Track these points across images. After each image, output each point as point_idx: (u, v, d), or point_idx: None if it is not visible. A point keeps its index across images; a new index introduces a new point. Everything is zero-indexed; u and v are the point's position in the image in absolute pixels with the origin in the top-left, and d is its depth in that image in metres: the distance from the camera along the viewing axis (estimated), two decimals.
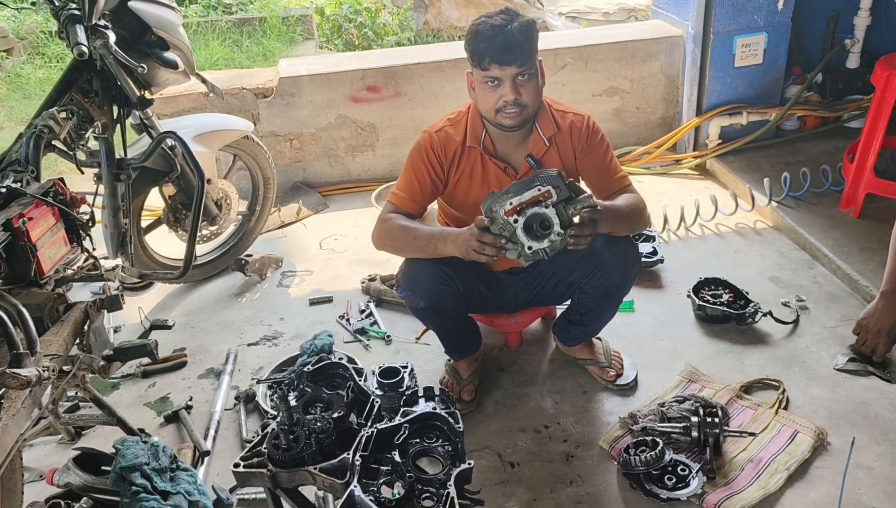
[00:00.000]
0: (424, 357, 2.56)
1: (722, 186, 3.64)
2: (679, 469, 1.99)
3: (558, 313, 2.57)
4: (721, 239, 3.19)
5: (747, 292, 2.65)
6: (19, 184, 1.92)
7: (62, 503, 1.92)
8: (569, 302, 2.38)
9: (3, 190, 1.88)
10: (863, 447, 2.07)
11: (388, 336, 2.68)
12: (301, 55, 6.46)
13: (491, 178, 2.14)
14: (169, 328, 2.49)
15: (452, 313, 2.22)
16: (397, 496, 1.49)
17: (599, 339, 2.48)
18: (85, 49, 2.12)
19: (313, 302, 2.93)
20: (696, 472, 1.97)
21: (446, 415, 1.68)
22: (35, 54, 6.74)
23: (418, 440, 1.66)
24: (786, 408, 2.23)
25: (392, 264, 3.14)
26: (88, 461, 1.99)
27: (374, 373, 2.31)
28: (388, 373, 2.28)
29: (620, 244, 2.12)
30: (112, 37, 2.23)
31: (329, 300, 2.94)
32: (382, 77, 3.67)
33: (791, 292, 2.77)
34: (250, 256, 3.12)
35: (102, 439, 2.23)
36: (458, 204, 2.22)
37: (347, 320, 2.79)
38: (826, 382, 2.33)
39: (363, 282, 2.96)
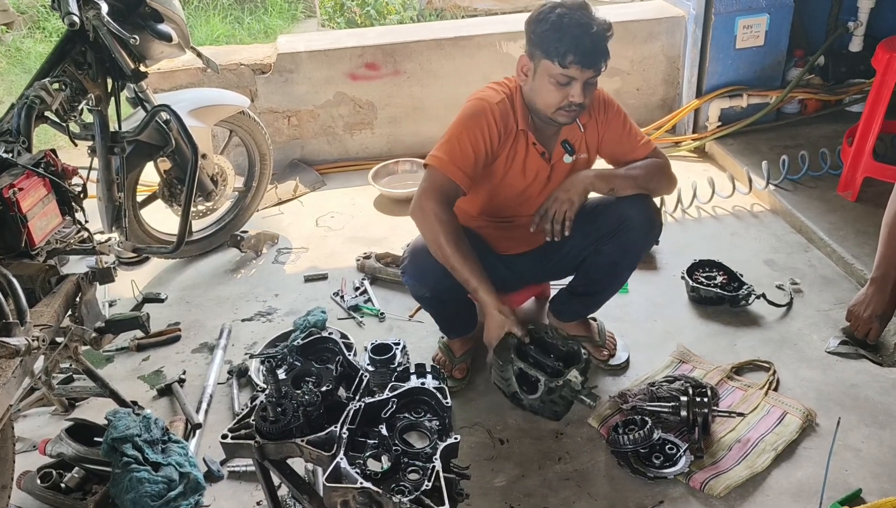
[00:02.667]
0: (417, 335, 2.57)
1: (720, 168, 3.62)
2: (667, 447, 2.00)
3: (552, 293, 2.57)
4: (718, 222, 3.18)
5: (741, 275, 2.65)
6: (10, 154, 1.92)
7: (54, 472, 1.94)
8: (571, 278, 2.38)
9: None
10: (851, 428, 2.08)
11: (382, 314, 2.68)
12: (303, 33, 6.42)
13: (530, 162, 2.11)
14: (161, 301, 2.49)
15: (454, 300, 2.21)
16: (383, 469, 1.50)
17: (594, 319, 2.48)
18: (76, 19, 2.11)
19: (308, 279, 2.94)
20: (684, 451, 1.98)
21: (434, 390, 1.68)
22: (35, 28, 6.71)
23: (406, 415, 1.66)
24: (776, 390, 2.24)
25: (388, 242, 3.15)
26: (81, 432, 2.01)
27: (366, 349, 2.32)
28: (381, 349, 2.29)
29: (644, 205, 2.12)
30: (104, 7, 2.21)
31: (324, 277, 2.94)
32: (381, 54, 3.64)
33: (786, 274, 2.76)
34: (246, 232, 3.13)
35: (95, 410, 2.25)
36: (489, 183, 2.13)
37: (342, 297, 2.79)
38: (817, 364, 2.33)
39: (358, 260, 2.97)
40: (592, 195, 2.14)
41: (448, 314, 2.33)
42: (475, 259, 1.97)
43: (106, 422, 1.93)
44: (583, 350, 1.89)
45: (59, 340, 1.92)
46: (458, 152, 1.98)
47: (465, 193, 2.02)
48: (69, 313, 1.99)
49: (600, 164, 2.23)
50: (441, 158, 1.98)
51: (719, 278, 2.65)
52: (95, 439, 1.98)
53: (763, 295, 2.59)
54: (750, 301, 2.58)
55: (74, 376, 2.36)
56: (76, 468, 1.95)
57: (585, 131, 2.14)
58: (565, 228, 2.08)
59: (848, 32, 3.73)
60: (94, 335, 2.02)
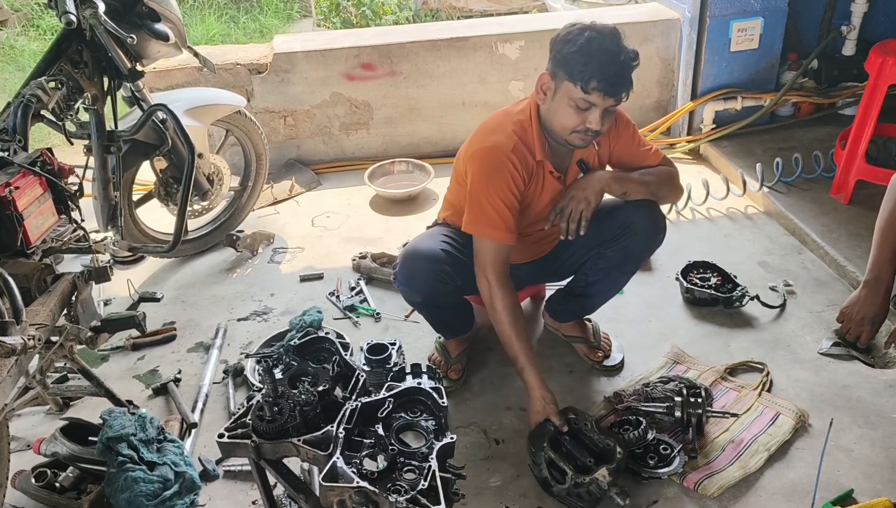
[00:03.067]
0: (413, 335, 2.57)
1: (715, 170, 3.64)
2: (661, 448, 2.01)
3: (548, 293, 2.58)
4: (712, 223, 3.20)
5: (735, 276, 2.67)
6: (6, 153, 1.92)
7: (49, 471, 1.94)
8: (568, 279, 2.39)
9: None
10: (843, 429, 2.09)
11: (378, 314, 2.69)
12: (298, 32, 6.42)
13: (547, 187, 2.11)
14: (157, 300, 2.49)
15: (448, 304, 2.23)
16: (380, 468, 1.51)
17: (590, 320, 2.49)
18: (73, 17, 2.11)
19: (304, 279, 2.94)
20: (678, 451, 1.99)
21: (430, 390, 1.69)
22: (29, 26, 6.69)
23: (402, 415, 1.67)
24: (769, 390, 2.25)
25: (383, 242, 3.16)
26: (76, 431, 2.01)
27: (362, 349, 2.32)
28: (377, 349, 2.29)
29: (650, 211, 2.14)
30: (101, 6, 2.21)
31: (320, 277, 2.94)
32: (378, 55, 3.65)
33: (779, 276, 2.78)
34: (242, 231, 3.13)
35: (90, 410, 2.25)
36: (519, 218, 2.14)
37: (337, 296, 2.80)
38: (810, 365, 2.35)
39: (354, 260, 2.97)
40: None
41: (443, 317, 2.34)
42: (528, 340, 2.06)
43: (101, 421, 1.93)
44: (619, 450, 1.86)
45: (54, 339, 1.92)
46: (494, 213, 1.99)
47: (513, 246, 2.06)
48: (65, 312, 1.99)
49: None
50: (482, 225, 2.01)
51: (713, 280, 2.67)
52: (90, 438, 1.98)
53: (757, 297, 2.60)
54: (744, 303, 2.60)
55: (69, 375, 2.36)
56: (71, 467, 1.95)
57: (600, 150, 2.15)
58: (581, 226, 2.08)
59: (841, 36, 3.76)
60: (89, 334, 2.02)
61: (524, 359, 2.02)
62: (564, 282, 2.42)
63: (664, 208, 3.11)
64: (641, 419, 2.04)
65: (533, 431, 2.00)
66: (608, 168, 2.22)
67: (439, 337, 2.43)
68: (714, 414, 2.12)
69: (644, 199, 2.13)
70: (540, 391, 2.00)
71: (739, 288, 2.61)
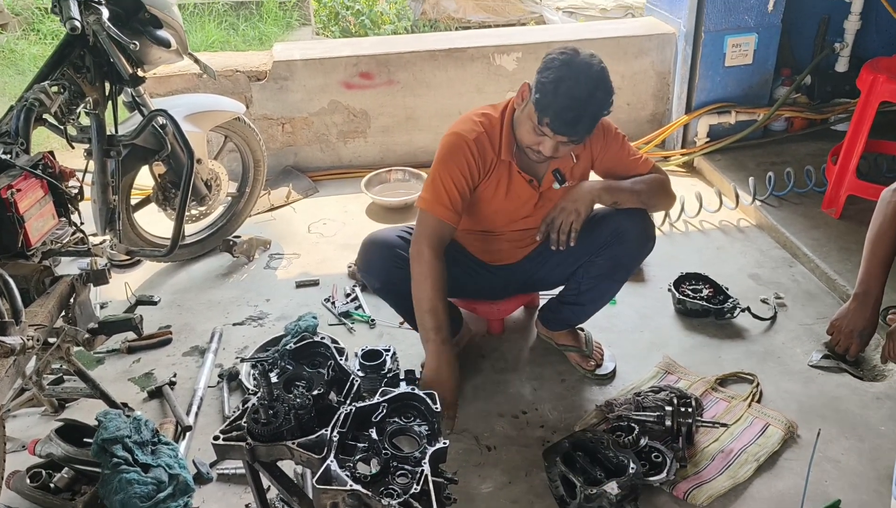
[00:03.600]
0: (407, 341, 2.59)
1: (708, 183, 3.68)
2: (653, 455, 2.02)
3: (542, 302, 2.61)
4: (704, 236, 3.24)
5: (727, 288, 2.70)
6: (9, 156, 1.94)
7: (43, 472, 1.95)
8: (559, 288, 2.41)
9: None
10: (832, 440, 2.12)
11: (372, 320, 2.71)
12: (297, 41, 6.46)
13: (516, 189, 2.16)
14: (154, 303, 2.51)
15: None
16: (373, 472, 1.53)
17: (582, 329, 2.52)
18: (78, 24, 2.13)
19: (300, 285, 2.96)
20: (671, 459, 2.01)
21: (424, 395, 1.71)
22: (30, 30, 6.71)
23: (396, 420, 1.69)
24: (759, 401, 2.28)
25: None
26: (71, 432, 2.02)
27: (357, 355, 2.34)
28: (371, 355, 2.32)
29: (640, 219, 2.17)
30: (105, 13, 2.24)
31: (315, 283, 2.96)
32: (376, 64, 3.68)
33: (770, 289, 2.81)
34: (238, 237, 3.14)
35: (86, 412, 2.25)
36: (474, 210, 2.21)
37: (333, 303, 2.82)
38: (799, 377, 2.38)
39: (350, 266, 2.99)
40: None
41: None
42: (446, 315, 2.12)
43: (96, 423, 1.94)
44: (632, 466, 1.87)
45: (52, 340, 1.94)
46: (443, 192, 2.07)
47: (455, 228, 2.12)
48: (63, 313, 2.01)
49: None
50: (428, 199, 2.09)
51: (705, 291, 2.70)
52: (85, 440, 1.98)
53: (748, 308, 2.63)
54: (735, 314, 2.63)
55: (65, 377, 2.37)
56: (65, 468, 1.95)
57: (578, 162, 2.19)
58: (571, 238, 2.12)
59: (834, 53, 3.81)
60: (86, 335, 2.04)
61: (442, 335, 2.11)
62: (557, 291, 2.44)
63: (657, 217, 3.21)
64: (634, 425, 2.06)
65: (546, 449, 2.03)
66: (597, 177, 2.25)
67: None
68: (704, 424, 2.14)
69: (635, 207, 2.16)
70: (440, 370, 2.11)
71: (731, 300, 2.64)
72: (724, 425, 2.15)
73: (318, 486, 1.47)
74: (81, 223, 2.20)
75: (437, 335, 2.10)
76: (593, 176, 2.27)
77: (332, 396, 1.73)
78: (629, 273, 2.29)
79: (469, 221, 2.25)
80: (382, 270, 2.20)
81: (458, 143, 2.07)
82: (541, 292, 2.68)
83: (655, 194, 2.19)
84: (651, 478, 1.97)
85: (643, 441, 2.02)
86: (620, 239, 2.15)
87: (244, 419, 1.64)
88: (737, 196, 3.34)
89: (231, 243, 3.09)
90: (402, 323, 2.69)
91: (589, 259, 2.21)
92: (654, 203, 2.21)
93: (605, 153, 2.19)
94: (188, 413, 2.26)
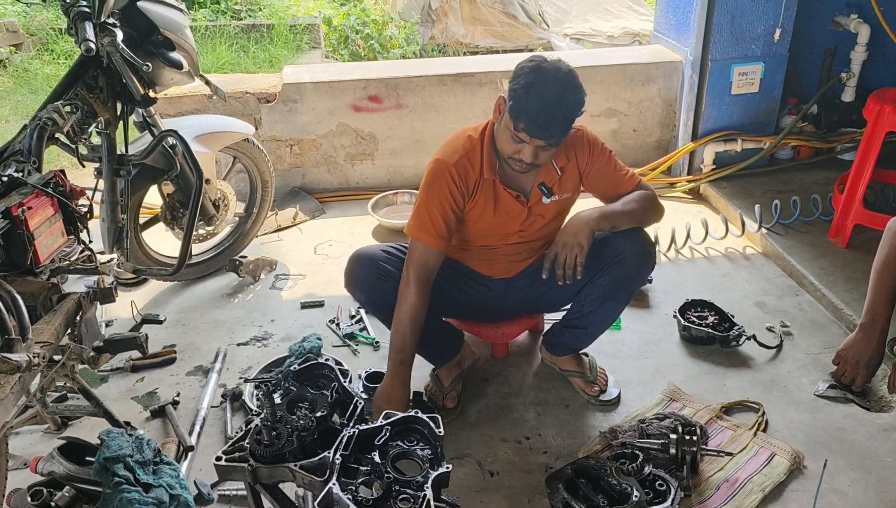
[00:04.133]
0: None
1: (714, 210, 3.69)
2: (657, 483, 2.00)
3: (546, 327, 2.60)
4: (710, 262, 3.23)
5: (732, 316, 2.69)
6: (21, 174, 1.95)
7: (45, 490, 1.94)
8: (557, 313, 2.41)
9: (5, 179, 1.92)
10: (838, 472, 2.10)
11: (377, 342, 2.71)
12: (307, 63, 6.53)
13: (504, 205, 2.18)
14: (160, 322, 2.51)
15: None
16: (375, 496, 1.52)
17: (586, 354, 2.51)
18: (93, 45, 2.16)
19: (305, 306, 2.96)
20: (676, 488, 1.99)
21: (427, 419, 1.70)
22: (44, 50, 6.81)
23: (399, 443, 1.68)
24: (764, 430, 2.26)
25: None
26: (73, 450, 2.01)
27: (360, 377, 2.34)
28: (375, 377, 2.32)
29: (639, 239, 2.19)
30: (120, 35, 2.27)
31: (320, 305, 2.97)
32: (385, 88, 3.72)
33: (776, 317, 2.80)
34: (245, 257, 3.16)
35: (88, 430, 2.25)
36: (466, 230, 2.25)
37: (337, 324, 2.82)
38: (805, 407, 2.36)
39: None
40: None
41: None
42: (414, 344, 2.15)
43: (98, 441, 1.94)
44: (636, 494, 1.87)
45: (57, 358, 1.94)
46: (428, 220, 2.12)
47: (443, 252, 2.16)
48: (68, 331, 2.01)
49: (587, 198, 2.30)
50: (413, 226, 2.15)
51: (711, 319, 2.69)
52: (87, 458, 1.98)
53: (753, 336, 2.62)
54: (740, 342, 2.62)
55: (69, 394, 2.38)
56: (67, 487, 1.94)
57: (563, 175, 2.20)
58: (577, 272, 2.13)
59: (841, 83, 3.83)
60: (92, 354, 2.04)
61: (402, 356, 2.13)
62: (560, 315, 2.44)
63: (663, 243, 3.21)
64: (638, 452, 2.04)
65: (549, 476, 2.01)
66: (587, 195, 2.28)
67: (433, 368, 2.45)
68: (709, 453, 2.13)
69: (633, 227, 2.18)
70: (392, 386, 2.13)
71: (736, 327, 2.63)
72: (729, 454, 2.14)
73: None
74: (90, 241, 2.22)
75: (397, 355, 2.14)
76: (581, 202, 2.28)
77: (336, 418, 1.73)
78: (632, 294, 2.30)
79: (464, 239, 2.28)
80: (366, 283, 2.23)
81: (440, 169, 2.12)
82: (545, 316, 2.68)
83: (647, 210, 2.22)
84: (655, 507, 1.95)
85: (647, 469, 2.00)
86: (621, 259, 2.16)
87: (247, 440, 1.63)
88: (743, 224, 3.34)
89: (237, 263, 3.10)
90: None
91: (591, 281, 2.22)
92: (647, 219, 2.23)
93: (592, 167, 2.21)
94: (190, 433, 2.26)
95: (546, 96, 1.92)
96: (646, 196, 2.21)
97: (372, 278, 2.21)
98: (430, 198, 2.12)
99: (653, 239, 2.29)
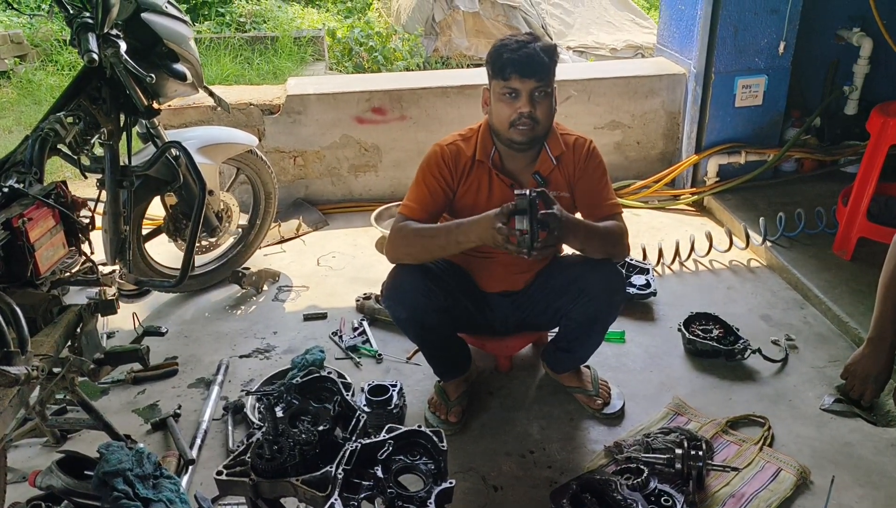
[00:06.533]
0: (414, 377, 2.57)
1: (718, 223, 3.67)
2: (663, 499, 1.98)
3: (549, 338, 2.59)
4: (714, 275, 3.22)
5: (738, 329, 2.67)
6: (22, 185, 1.95)
7: (43, 505, 1.92)
8: (557, 329, 2.40)
9: (6, 190, 1.91)
10: (845, 488, 2.07)
11: (380, 355, 2.69)
12: (311, 75, 6.55)
13: (496, 192, 2.19)
14: (162, 334, 2.49)
15: (435, 329, 2.23)
16: None
17: (588, 367, 2.49)
18: (95, 56, 2.16)
19: (307, 318, 2.95)
20: (682, 503, 1.97)
21: (431, 433, 1.69)
22: (48, 61, 6.84)
23: (402, 457, 1.67)
24: (770, 445, 2.24)
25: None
26: (72, 464, 1.99)
27: (363, 390, 2.33)
28: (378, 391, 2.30)
29: (604, 271, 2.16)
30: (123, 46, 2.28)
31: (323, 317, 2.95)
32: (388, 99, 3.72)
33: (781, 330, 2.78)
34: (248, 269, 3.15)
35: (88, 443, 2.24)
36: (460, 215, 2.20)
37: (340, 336, 2.80)
38: (812, 421, 2.34)
39: (358, 300, 2.98)
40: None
41: (436, 348, 2.33)
42: (447, 223, 2.12)
43: (98, 455, 1.92)
44: None
45: (56, 370, 1.93)
46: (417, 196, 2.19)
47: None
48: (69, 343, 2.00)
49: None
50: (406, 204, 2.20)
51: (716, 332, 2.67)
52: (86, 472, 1.96)
53: (759, 350, 2.60)
54: (746, 356, 2.60)
55: (68, 407, 2.36)
56: (65, 501, 1.92)
57: (560, 164, 2.20)
58: (544, 251, 1.97)
59: (844, 96, 3.83)
60: (92, 366, 2.02)
61: (454, 227, 2.05)
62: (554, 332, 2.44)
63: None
64: (643, 467, 2.02)
65: (554, 490, 1.99)
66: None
67: (439, 381, 2.43)
68: (715, 468, 2.10)
69: (599, 261, 2.14)
70: (478, 219, 1.99)
71: (741, 341, 2.61)
72: (735, 469, 2.11)
73: None
74: (92, 253, 2.21)
75: (458, 225, 2.04)
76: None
77: (338, 432, 1.72)
78: (607, 324, 2.29)
79: None
80: (411, 300, 2.14)
81: (433, 150, 2.21)
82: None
83: (617, 244, 2.15)
84: None
85: (653, 484, 1.98)
86: (587, 295, 2.15)
87: (248, 455, 1.62)
88: (747, 236, 3.32)
89: (240, 274, 3.09)
90: (409, 358, 2.67)
91: (566, 313, 2.23)
92: (616, 252, 2.18)
93: (583, 176, 2.21)
94: (192, 447, 2.24)
95: (519, 41, 2.05)
96: (620, 228, 2.17)
97: (418, 295, 2.12)
98: (421, 176, 2.20)
99: (622, 272, 2.28)
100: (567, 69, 4.27)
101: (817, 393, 2.45)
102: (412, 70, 6.93)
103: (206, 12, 7.95)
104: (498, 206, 2.07)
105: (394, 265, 2.20)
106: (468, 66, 7.44)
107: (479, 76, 3.94)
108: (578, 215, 2.24)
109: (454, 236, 2.03)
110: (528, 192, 1.87)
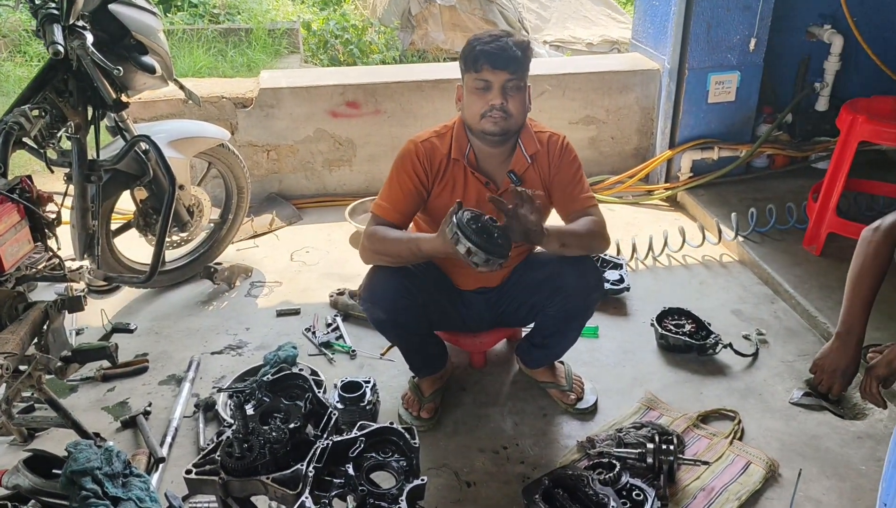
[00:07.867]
0: (388, 373, 2.57)
1: (691, 218, 3.71)
2: (634, 493, 2.00)
3: (523, 334, 2.60)
4: (687, 270, 3.25)
5: (709, 324, 2.70)
6: None
7: (9, 505, 1.89)
8: (532, 325, 2.41)
9: None
10: (812, 479, 2.11)
11: (353, 351, 2.68)
12: (285, 68, 6.48)
13: (471, 191, 2.18)
14: (131, 331, 2.46)
15: (413, 328, 2.22)
16: None
17: (562, 363, 2.50)
18: (61, 48, 2.12)
19: (280, 313, 2.93)
20: (653, 498, 1.98)
21: (403, 430, 1.68)
22: (16, 52, 6.69)
23: (373, 455, 1.66)
24: (741, 439, 2.27)
25: (362, 279, 3.14)
26: (39, 463, 1.96)
27: (336, 387, 2.31)
28: (351, 387, 2.29)
29: (582, 268, 2.16)
30: (89, 38, 2.23)
31: (296, 312, 2.93)
32: (362, 93, 3.70)
33: (752, 325, 2.82)
34: (220, 264, 3.11)
35: (56, 442, 2.20)
36: (436, 214, 2.20)
37: (313, 332, 2.78)
38: (781, 415, 2.37)
39: (332, 296, 2.96)
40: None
41: (413, 346, 2.32)
42: (409, 233, 2.15)
43: (66, 454, 1.89)
44: (613, 504, 1.86)
45: (22, 368, 1.89)
46: (390, 195, 2.16)
47: (402, 227, 2.16)
48: (35, 341, 1.97)
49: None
50: (378, 203, 2.18)
51: (688, 327, 2.70)
52: (54, 471, 1.93)
53: (730, 345, 2.63)
54: (717, 350, 2.62)
55: (35, 405, 2.32)
56: (32, 501, 1.89)
57: (534, 163, 2.19)
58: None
59: (815, 93, 3.88)
60: (59, 364, 1.99)
61: (414, 238, 2.07)
62: (531, 327, 2.44)
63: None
64: (615, 462, 2.04)
65: (525, 488, 1.99)
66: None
67: (413, 376, 2.43)
68: (686, 462, 2.13)
69: (576, 257, 2.14)
70: (434, 235, 1.97)
71: (713, 336, 2.64)
72: (705, 463, 2.14)
73: None
74: (59, 248, 2.17)
75: (419, 237, 2.06)
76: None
77: (309, 429, 1.70)
78: (584, 320, 2.30)
79: (437, 226, 2.20)
80: (389, 300, 2.12)
81: (406, 148, 2.18)
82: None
83: (595, 237, 2.15)
84: None
85: (624, 479, 1.99)
86: (564, 292, 2.17)
87: (218, 453, 1.60)
88: (719, 232, 3.36)
89: (212, 270, 3.06)
90: (383, 355, 2.66)
91: (542, 310, 2.25)
92: (595, 247, 2.19)
93: (559, 172, 2.20)
94: (162, 444, 2.21)
95: (492, 35, 2.05)
96: (596, 222, 2.17)
97: (395, 295, 2.11)
98: (394, 174, 2.17)
99: (599, 268, 2.27)
100: (542, 64, 4.27)
101: (786, 387, 2.49)
102: (388, 63, 6.90)
103: (179, 3, 7.82)
104: (473, 205, 2.08)
105: (370, 267, 2.19)
106: (444, 59, 7.41)
107: (454, 70, 3.90)
108: (554, 212, 2.25)
109: (420, 248, 2.02)
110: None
